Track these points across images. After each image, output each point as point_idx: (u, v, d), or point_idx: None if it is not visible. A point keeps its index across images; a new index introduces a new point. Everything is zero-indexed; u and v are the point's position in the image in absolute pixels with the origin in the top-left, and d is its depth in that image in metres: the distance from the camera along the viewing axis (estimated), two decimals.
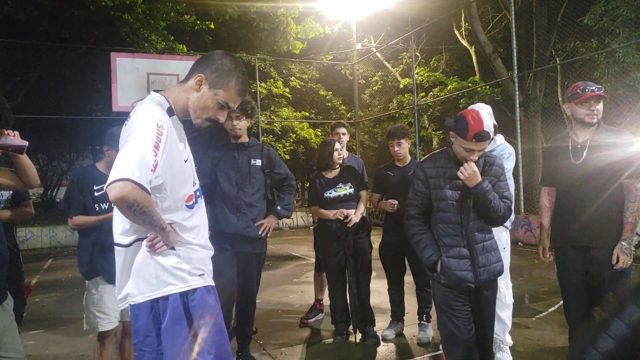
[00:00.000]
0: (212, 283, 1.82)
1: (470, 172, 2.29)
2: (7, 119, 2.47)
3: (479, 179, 2.29)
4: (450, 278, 2.36)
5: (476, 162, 2.35)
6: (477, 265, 2.33)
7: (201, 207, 1.87)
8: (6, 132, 2.10)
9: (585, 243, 2.57)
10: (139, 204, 1.53)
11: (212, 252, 1.89)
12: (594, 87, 2.64)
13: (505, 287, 3.24)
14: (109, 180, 1.51)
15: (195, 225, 1.79)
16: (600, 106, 2.62)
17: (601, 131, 2.64)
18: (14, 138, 2.12)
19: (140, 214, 1.56)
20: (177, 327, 1.69)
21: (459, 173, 2.32)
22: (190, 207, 1.78)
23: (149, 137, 1.56)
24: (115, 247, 1.77)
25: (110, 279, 2.76)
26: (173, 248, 1.71)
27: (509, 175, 2.93)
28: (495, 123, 3.25)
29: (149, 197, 1.56)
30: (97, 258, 2.76)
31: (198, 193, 1.84)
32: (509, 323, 3.30)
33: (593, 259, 2.57)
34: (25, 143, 2.15)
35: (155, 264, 1.69)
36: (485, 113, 2.33)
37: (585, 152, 2.62)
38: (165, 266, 1.69)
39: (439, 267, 2.39)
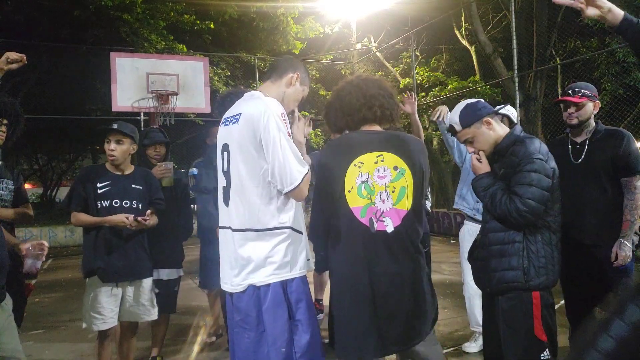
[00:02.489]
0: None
1: (473, 165, 2.18)
2: (17, 122, 2.49)
3: (479, 171, 2.15)
4: (474, 278, 2.31)
5: (504, 149, 2.11)
6: (490, 269, 2.09)
7: None
8: (27, 248, 2.23)
9: (587, 241, 2.59)
10: (308, 185, 1.90)
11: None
12: (569, 91, 2.75)
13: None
14: (287, 188, 1.84)
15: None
16: (579, 110, 2.68)
17: (599, 131, 2.70)
18: (35, 260, 2.30)
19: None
20: (307, 309, 1.94)
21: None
22: None
23: (285, 131, 1.87)
24: (245, 233, 1.92)
25: (108, 278, 2.74)
26: (301, 232, 1.95)
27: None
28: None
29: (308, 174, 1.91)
30: (95, 257, 2.74)
31: None
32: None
33: (595, 258, 2.59)
34: (37, 268, 2.33)
35: (285, 250, 1.91)
36: (458, 106, 2.21)
37: (584, 151, 2.67)
38: (290, 251, 1.93)
39: None
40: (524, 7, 10.97)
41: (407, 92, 3.40)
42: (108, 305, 2.76)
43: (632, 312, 0.69)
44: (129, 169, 2.92)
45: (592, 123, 2.73)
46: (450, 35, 13.76)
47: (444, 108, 3.48)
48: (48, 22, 10.33)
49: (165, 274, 3.27)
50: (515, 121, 3.31)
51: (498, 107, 2.30)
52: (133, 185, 2.84)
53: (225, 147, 2.01)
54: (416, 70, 12.94)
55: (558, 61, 10.84)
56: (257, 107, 1.89)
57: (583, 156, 2.65)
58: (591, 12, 1.82)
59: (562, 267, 2.75)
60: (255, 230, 1.88)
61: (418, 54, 14.20)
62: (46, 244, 2.33)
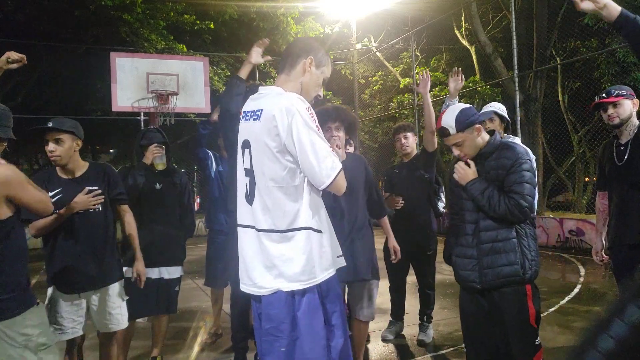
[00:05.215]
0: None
1: (460, 172, 2.27)
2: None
3: (469, 177, 2.24)
4: (457, 276, 2.36)
5: (489, 153, 2.25)
6: (482, 266, 2.21)
7: None
8: None
9: (631, 241, 2.60)
10: (345, 180, 1.85)
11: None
12: (604, 94, 2.75)
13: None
14: (326, 183, 1.76)
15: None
16: (617, 109, 2.67)
17: None
18: None
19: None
20: (340, 313, 1.92)
21: (454, 173, 2.31)
22: None
23: (315, 126, 1.77)
24: (270, 234, 1.83)
25: (67, 290, 2.58)
26: (320, 231, 1.84)
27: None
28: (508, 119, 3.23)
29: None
30: (53, 268, 2.57)
31: None
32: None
33: (633, 257, 2.59)
34: None
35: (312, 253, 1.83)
36: (451, 109, 2.28)
37: (627, 152, 2.65)
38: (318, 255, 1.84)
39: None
40: (524, 7, 10.97)
41: (423, 72, 3.37)
42: (68, 316, 2.58)
43: (632, 312, 0.69)
44: (80, 169, 2.63)
45: (635, 122, 2.70)
46: (450, 35, 13.77)
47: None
48: (48, 22, 10.33)
49: (167, 272, 3.25)
50: (506, 117, 3.29)
51: (485, 112, 2.43)
52: (87, 188, 2.56)
53: (246, 144, 1.90)
54: (416, 70, 12.94)
55: (558, 61, 10.85)
56: (280, 104, 1.77)
57: (626, 157, 2.64)
58: (586, 5, 1.83)
59: (614, 265, 2.79)
60: (280, 232, 1.80)
61: (418, 54, 14.20)
62: None
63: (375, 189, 3.15)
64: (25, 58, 2.41)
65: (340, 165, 1.79)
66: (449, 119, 2.25)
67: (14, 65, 2.41)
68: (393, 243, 3.29)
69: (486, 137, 2.30)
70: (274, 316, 1.81)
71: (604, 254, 2.91)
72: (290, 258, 1.78)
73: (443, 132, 2.27)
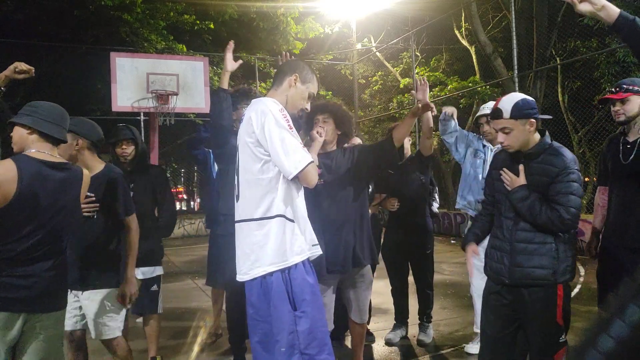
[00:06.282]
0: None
1: (508, 179, 2.20)
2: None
3: (517, 183, 2.18)
4: (486, 267, 2.32)
5: (535, 154, 2.17)
6: (513, 263, 2.16)
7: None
8: None
9: (629, 244, 2.49)
10: (317, 172, 2.07)
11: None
12: (613, 88, 2.61)
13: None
14: (293, 173, 1.95)
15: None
16: (625, 105, 2.53)
17: None
18: None
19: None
20: (311, 300, 2.04)
21: (500, 175, 2.24)
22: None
23: (286, 125, 2.00)
24: (249, 223, 2.04)
25: None
26: (292, 220, 2.04)
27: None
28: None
29: (315, 163, 2.05)
30: None
31: None
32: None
33: (636, 261, 2.46)
34: None
35: (284, 238, 2.02)
36: (514, 95, 2.21)
37: (634, 151, 2.53)
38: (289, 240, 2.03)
39: (468, 253, 2.38)
40: (524, 7, 10.97)
41: (422, 78, 3.33)
42: None
43: (632, 312, 0.69)
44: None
45: None
46: (450, 35, 13.76)
47: (453, 108, 3.51)
48: (48, 22, 10.32)
49: (140, 273, 3.14)
50: None
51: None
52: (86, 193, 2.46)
53: (237, 148, 2.19)
54: (416, 70, 12.94)
55: (558, 61, 10.84)
56: (256, 108, 2.07)
57: (632, 156, 2.51)
58: (584, 7, 1.81)
59: (601, 264, 2.67)
60: (256, 220, 2.01)
61: (418, 54, 14.20)
62: None
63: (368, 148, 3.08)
64: (33, 70, 2.43)
65: (309, 159, 1.98)
66: (507, 101, 2.16)
67: (21, 76, 2.43)
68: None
69: (537, 137, 2.20)
70: (254, 302, 2.03)
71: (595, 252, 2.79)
72: (265, 243, 1.99)
73: (495, 114, 2.18)
